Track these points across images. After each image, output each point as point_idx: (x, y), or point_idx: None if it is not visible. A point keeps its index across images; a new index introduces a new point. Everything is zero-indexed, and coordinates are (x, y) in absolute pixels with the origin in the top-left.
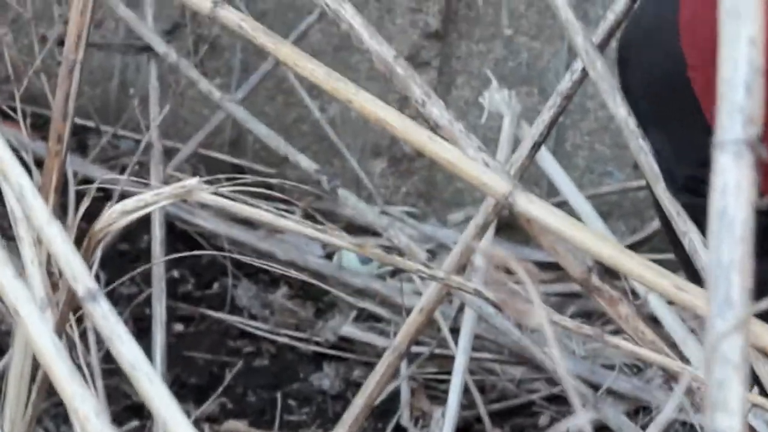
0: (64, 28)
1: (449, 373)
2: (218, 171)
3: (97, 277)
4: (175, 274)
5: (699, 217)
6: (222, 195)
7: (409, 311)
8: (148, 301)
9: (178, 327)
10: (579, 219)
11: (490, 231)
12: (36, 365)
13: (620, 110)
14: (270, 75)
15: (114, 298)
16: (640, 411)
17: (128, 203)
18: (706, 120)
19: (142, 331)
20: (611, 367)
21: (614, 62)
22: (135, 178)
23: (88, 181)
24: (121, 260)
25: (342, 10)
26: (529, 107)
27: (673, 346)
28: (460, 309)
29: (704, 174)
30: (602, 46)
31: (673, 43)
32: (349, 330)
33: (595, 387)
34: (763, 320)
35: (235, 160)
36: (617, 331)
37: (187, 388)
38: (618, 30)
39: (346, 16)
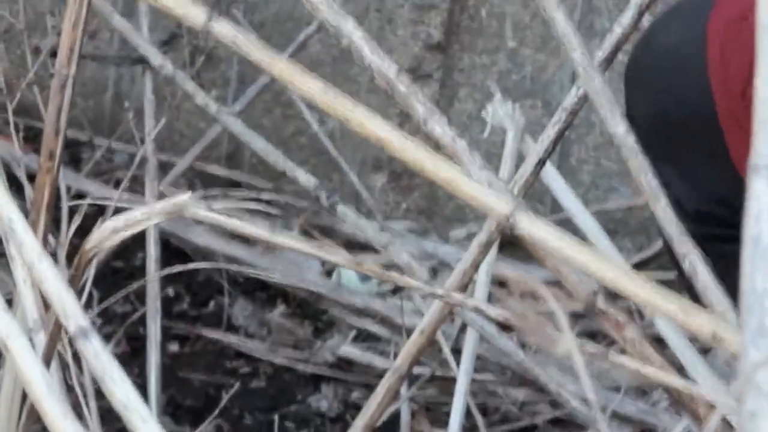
0: (58, 39)
1: (451, 395)
2: (215, 185)
3: (90, 295)
4: (170, 292)
5: (705, 245)
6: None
7: (409, 331)
8: (142, 320)
9: (173, 347)
10: (584, 236)
11: (493, 249)
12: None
13: (619, 128)
14: (268, 87)
15: (107, 316)
16: None
17: (119, 221)
18: (730, 158)
19: (136, 351)
20: (617, 389)
21: (620, 75)
22: (129, 193)
23: (81, 195)
24: (114, 278)
25: (343, 25)
26: (533, 120)
27: (680, 368)
28: (462, 329)
29: (719, 211)
30: (609, 60)
31: (701, 79)
32: (348, 350)
33: (601, 409)
34: None
35: (232, 175)
36: (622, 351)
37: (182, 410)
38: (625, 43)
39: (347, 30)
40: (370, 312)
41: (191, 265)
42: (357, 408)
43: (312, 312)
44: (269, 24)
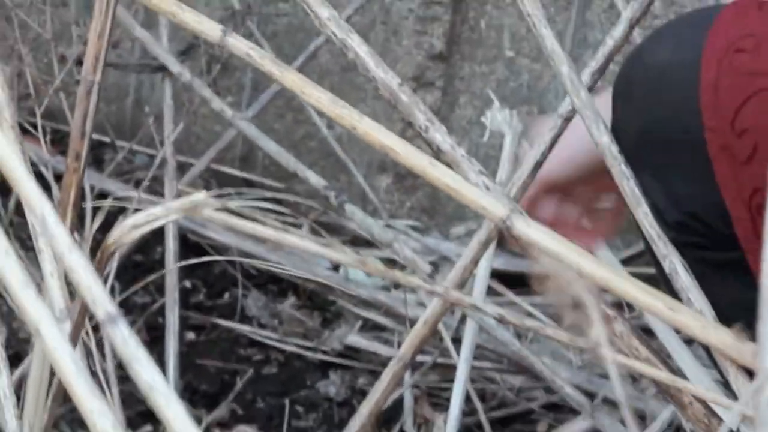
0: (83, 47)
1: (451, 381)
2: (229, 185)
3: (112, 288)
4: (188, 284)
5: (684, 250)
6: (230, 210)
7: (412, 321)
8: (161, 311)
9: (190, 335)
10: None
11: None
12: (52, 372)
13: (603, 138)
14: (280, 94)
15: (128, 307)
16: (636, 419)
17: (139, 218)
18: (712, 181)
19: (155, 339)
20: (607, 377)
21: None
22: (149, 193)
23: (104, 194)
24: (135, 271)
25: (349, 40)
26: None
27: (667, 357)
28: (462, 320)
29: (696, 225)
30: (601, 70)
31: (692, 102)
32: (355, 339)
33: (592, 395)
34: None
35: (246, 175)
36: (611, 343)
37: (198, 395)
38: (617, 55)
39: (352, 45)
40: (376, 303)
41: (207, 258)
42: (363, 393)
43: (321, 303)
44: (281, 35)
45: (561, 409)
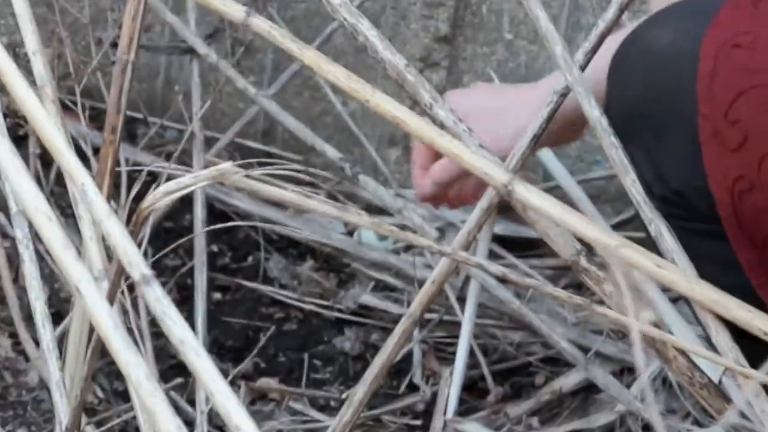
0: (118, 31)
1: (456, 337)
2: (252, 158)
3: (146, 252)
4: (214, 248)
5: (669, 219)
6: (254, 179)
7: (421, 282)
8: (190, 273)
9: (217, 295)
10: (571, 201)
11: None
12: (92, 328)
13: (594, 111)
14: (298, 73)
15: (160, 269)
16: (625, 371)
17: (170, 185)
18: (699, 166)
19: (184, 299)
20: (599, 332)
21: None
22: (178, 164)
23: (137, 165)
24: (166, 236)
25: (359, 24)
26: None
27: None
28: (466, 281)
29: (678, 200)
30: (594, 50)
31: (688, 90)
32: (368, 299)
33: (585, 350)
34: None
35: (267, 148)
36: (601, 302)
37: (225, 350)
38: (608, 36)
39: (362, 29)
40: (387, 265)
41: (232, 224)
42: (376, 348)
43: (336, 266)
44: (299, 19)
45: (557, 363)
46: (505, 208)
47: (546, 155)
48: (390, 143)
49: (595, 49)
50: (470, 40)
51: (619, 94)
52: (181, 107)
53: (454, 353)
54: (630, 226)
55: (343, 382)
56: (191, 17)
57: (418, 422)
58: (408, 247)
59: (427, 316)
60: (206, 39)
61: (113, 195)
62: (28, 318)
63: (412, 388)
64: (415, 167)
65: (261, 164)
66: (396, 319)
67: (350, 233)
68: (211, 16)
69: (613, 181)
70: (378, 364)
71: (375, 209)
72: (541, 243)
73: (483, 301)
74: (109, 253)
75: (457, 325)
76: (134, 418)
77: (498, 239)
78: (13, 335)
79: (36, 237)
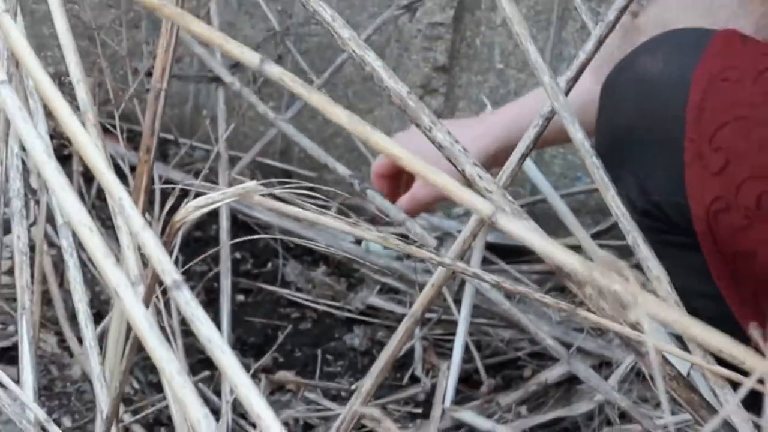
0: (152, 62)
1: (453, 334)
2: (271, 174)
3: (177, 259)
4: (238, 255)
5: (648, 233)
6: (273, 196)
7: (421, 286)
8: (216, 278)
9: (240, 298)
10: (555, 213)
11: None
12: (129, 327)
13: (578, 135)
14: None
15: (190, 274)
16: (604, 365)
17: (200, 200)
18: (682, 183)
19: (211, 301)
20: (581, 330)
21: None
22: (205, 181)
23: (169, 182)
24: (195, 245)
25: (366, 56)
26: None
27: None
28: (462, 284)
29: (658, 214)
30: (575, 78)
31: (678, 117)
32: (374, 300)
33: (568, 346)
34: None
35: (284, 166)
36: (581, 303)
37: (247, 346)
38: (587, 65)
39: (369, 60)
40: (392, 271)
41: (254, 237)
42: (381, 344)
43: (346, 271)
44: (313, 51)
45: (543, 357)
46: None
47: (532, 171)
48: None
49: (576, 78)
50: (465, 70)
51: (610, 118)
52: (209, 130)
53: (451, 349)
54: (608, 235)
55: (352, 374)
56: (217, 50)
57: (419, 410)
58: (410, 255)
59: (427, 315)
60: (231, 69)
61: (148, 208)
62: (72, 318)
63: (414, 380)
64: (374, 175)
65: (280, 182)
66: (399, 319)
67: (359, 242)
68: None
69: (593, 195)
70: (383, 358)
71: (381, 220)
72: (529, 250)
73: (477, 303)
74: (144, 261)
75: (454, 323)
76: (167, 407)
77: (490, 247)
78: (59, 333)
79: (79, 246)
